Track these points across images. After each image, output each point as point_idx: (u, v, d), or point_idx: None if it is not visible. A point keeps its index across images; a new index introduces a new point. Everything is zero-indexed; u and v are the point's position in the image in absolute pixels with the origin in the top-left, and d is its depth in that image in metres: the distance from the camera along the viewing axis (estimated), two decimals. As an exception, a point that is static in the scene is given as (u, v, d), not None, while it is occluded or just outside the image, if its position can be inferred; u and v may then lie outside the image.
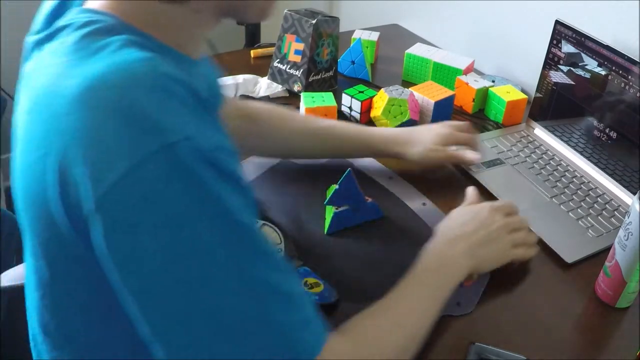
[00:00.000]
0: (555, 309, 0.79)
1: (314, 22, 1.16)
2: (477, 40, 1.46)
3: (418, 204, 0.95)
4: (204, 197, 0.46)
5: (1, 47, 1.97)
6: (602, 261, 0.81)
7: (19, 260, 1.01)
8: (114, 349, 0.58)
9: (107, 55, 0.49)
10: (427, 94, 1.16)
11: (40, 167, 0.49)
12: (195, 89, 0.50)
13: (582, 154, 1.07)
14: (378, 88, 1.18)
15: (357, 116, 1.15)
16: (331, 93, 1.10)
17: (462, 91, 1.24)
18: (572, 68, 1.06)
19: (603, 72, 0.99)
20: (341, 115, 1.14)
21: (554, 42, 1.09)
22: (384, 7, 1.75)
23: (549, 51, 1.10)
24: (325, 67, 1.24)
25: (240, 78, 1.27)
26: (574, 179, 1.04)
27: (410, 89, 1.15)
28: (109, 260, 0.47)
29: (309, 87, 1.22)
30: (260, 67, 1.35)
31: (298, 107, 1.12)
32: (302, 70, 1.21)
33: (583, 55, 1.03)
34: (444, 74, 1.30)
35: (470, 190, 0.89)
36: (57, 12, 0.57)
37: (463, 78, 1.24)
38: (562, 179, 1.04)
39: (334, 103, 1.07)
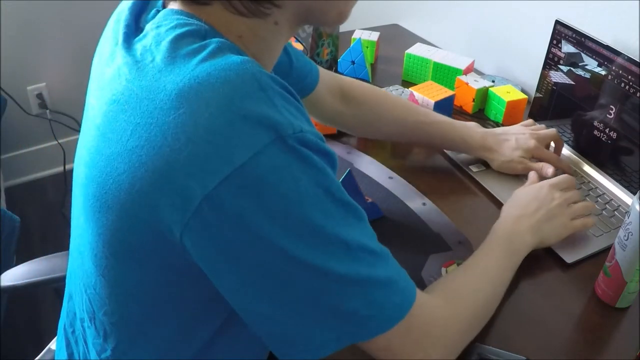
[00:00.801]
0: (555, 309, 0.79)
1: (314, 22, 1.16)
2: (477, 40, 1.46)
3: (418, 204, 0.96)
4: (320, 180, 0.50)
5: (1, 47, 1.97)
6: (602, 261, 0.81)
7: (19, 260, 1.01)
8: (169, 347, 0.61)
9: (208, 56, 0.50)
10: (427, 94, 1.16)
11: (135, 157, 0.49)
12: (290, 90, 0.53)
13: (582, 154, 1.07)
14: (378, 88, 1.18)
15: (357, 116, 1.15)
16: (331, 93, 1.10)
17: (462, 91, 1.24)
18: (572, 68, 1.06)
19: (603, 72, 0.99)
20: (341, 115, 1.14)
21: (554, 42, 1.09)
22: (384, 7, 1.75)
23: (549, 51, 1.10)
24: (325, 67, 1.24)
25: (240, 78, 1.27)
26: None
27: (410, 89, 1.15)
28: (217, 251, 0.49)
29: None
30: (260, 67, 1.35)
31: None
32: (302, 70, 1.21)
33: (583, 55, 1.03)
34: (444, 74, 1.30)
35: (532, 174, 0.94)
36: (142, 9, 0.59)
37: (463, 78, 1.24)
38: (562, 179, 1.04)
39: (334, 103, 1.07)
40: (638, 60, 0.92)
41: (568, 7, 1.18)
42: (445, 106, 1.17)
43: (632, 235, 0.73)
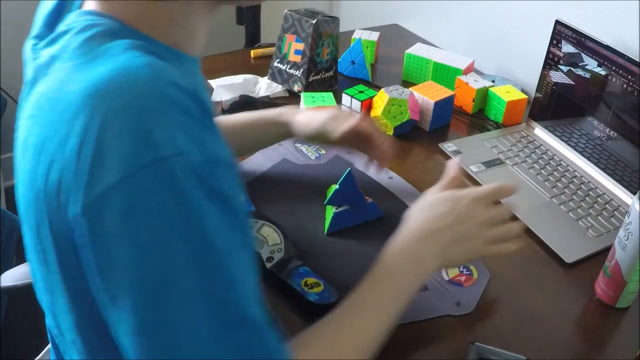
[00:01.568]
0: (555, 309, 0.79)
1: (314, 22, 1.16)
2: (477, 40, 1.46)
3: (418, 204, 0.95)
4: (186, 217, 0.46)
5: (1, 47, 1.97)
6: (602, 261, 0.81)
7: (19, 261, 1.01)
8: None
9: (110, 60, 0.48)
10: (427, 94, 1.16)
11: (40, 171, 0.49)
12: (200, 97, 0.50)
13: (582, 154, 1.07)
14: (378, 88, 1.18)
15: (357, 116, 1.15)
16: (331, 93, 1.11)
17: (462, 91, 1.24)
18: (572, 68, 1.06)
19: (603, 72, 0.99)
20: (341, 115, 1.14)
21: (554, 42, 1.09)
22: (384, 7, 1.75)
23: (549, 51, 1.10)
24: (325, 67, 1.24)
25: (240, 78, 1.27)
26: (574, 179, 1.04)
27: (410, 89, 1.15)
28: (92, 264, 0.47)
29: (309, 87, 1.22)
30: (260, 67, 1.35)
31: (298, 106, 1.12)
32: (302, 70, 1.21)
33: (583, 55, 1.03)
34: (444, 74, 1.30)
35: (452, 167, 0.79)
36: (57, 14, 0.57)
37: (463, 78, 1.24)
38: (562, 179, 1.04)
39: (334, 103, 1.08)
40: (638, 60, 0.92)
41: (568, 7, 1.18)
42: (445, 106, 1.17)
43: (632, 235, 0.73)
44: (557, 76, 1.10)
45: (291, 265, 0.79)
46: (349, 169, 0.85)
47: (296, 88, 1.23)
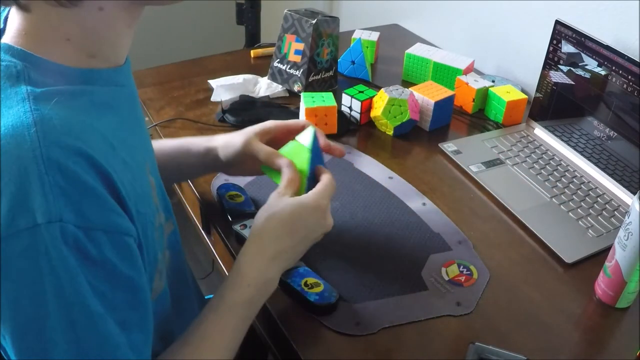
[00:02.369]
0: (555, 309, 0.79)
1: (314, 22, 1.16)
2: (477, 40, 1.46)
3: (418, 204, 0.96)
4: (58, 283, 0.47)
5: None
6: (602, 261, 0.81)
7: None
8: None
9: (2, 114, 0.49)
10: (427, 94, 1.16)
11: None
12: (91, 155, 0.49)
13: (582, 154, 1.07)
14: (378, 88, 1.18)
15: (357, 116, 1.15)
16: (331, 93, 1.10)
17: (462, 91, 1.24)
18: (572, 68, 1.06)
19: (603, 72, 0.99)
20: (341, 115, 1.14)
21: (554, 42, 1.09)
22: (384, 7, 1.75)
23: (549, 51, 1.10)
24: (325, 67, 1.24)
25: (240, 78, 1.27)
26: (574, 179, 1.04)
27: (410, 89, 1.15)
28: None
29: (309, 87, 1.22)
30: (260, 67, 1.35)
31: (298, 107, 1.12)
32: (302, 70, 1.21)
33: (583, 55, 1.03)
34: (444, 74, 1.30)
35: (284, 164, 0.73)
36: None
37: (463, 78, 1.24)
38: (562, 179, 1.04)
39: (334, 103, 1.07)
40: (638, 60, 0.92)
41: (568, 7, 1.18)
42: (445, 106, 1.17)
43: (632, 235, 0.73)
44: (557, 76, 1.10)
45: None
46: (314, 130, 0.78)
47: (296, 88, 1.23)
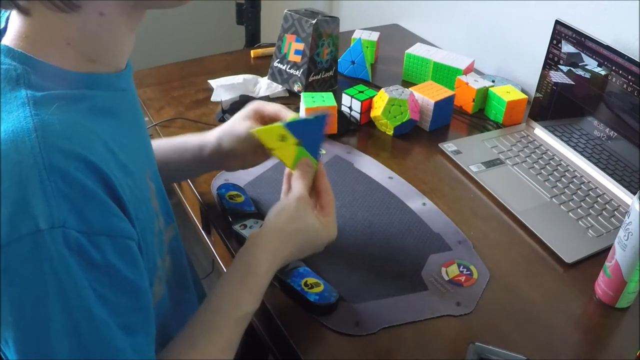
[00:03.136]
0: (555, 309, 0.79)
1: (314, 22, 1.16)
2: (477, 40, 1.46)
3: (418, 204, 0.96)
4: (60, 287, 0.47)
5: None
6: (602, 261, 0.81)
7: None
8: None
9: (3, 119, 0.48)
10: (427, 94, 1.16)
11: None
12: (92, 161, 0.49)
13: (582, 154, 1.07)
14: (378, 88, 1.18)
15: (357, 116, 1.15)
16: (331, 93, 1.10)
17: (462, 91, 1.24)
18: (572, 68, 1.06)
19: (603, 72, 0.99)
20: (341, 115, 1.14)
21: (554, 42, 1.09)
22: (384, 7, 1.75)
23: (549, 51, 1.10)
24: (325, 67, 1.24)
25: (240, 78, 1.27)
26: (574, 179, 1.04)
27: (410, 89, 1.15)
28: None
29: (309, 87, 1.22)
30: (260, 67, 1.35)
31: (298, 107, 1.12)
32: (302, 70, 1.21)
33: (583, 55, 1.03)
34: (444, 74, 1.30)
35: (302, 167, 0.74)
36: None
37: (463, 78, 1.24)
38: (562, 179, 1.04)
39: (334, 103, 1.07)
40: (638, 60, 0.92)
41: (568, 7, 1.18)
42: (445, 106, 1.17)
43: (632, 235, 0.73)
44: (557, 76, 1.10)
45: (291, 265, 0.79)
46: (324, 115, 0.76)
47: (296, 88, 1.23)
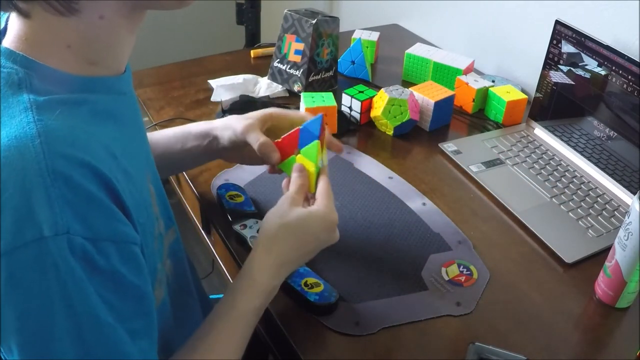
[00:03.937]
0: (555, 309, 0.79)
1: (314, 22, 1.16)
2: (477, 40, 1.46)
3: (418, 204, 0.96)
4: (66, 293, 0.47)
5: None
6: (602, 261, 0.81)
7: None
8: None
9: (5, 124, 0.48)
10: (427, 94, 1.16)
11: None
12: (95, 166, 0.49)
13: (582, 154, 1.07)
14: (378, 88, 1.18)
15: (357, 116, 1.15)
16: (331, 93, 1.10)
17: (462, 91, 1.24)
18: (572, 68, 1.06)
19: (603, 72, 0.99)
20: (341, 115, 1.14)
21: (554, 42, 1.09)
22: (384, 7, 1.75)
23: (549, 51, 1.10)
24: (325, 67, 1.24)
25: (240, 78, 1.27)
26: (574, 179, 1.04)
27: (410, 89, 1.15)
28: None
29: (309, 87, 1.22)
30: (260, 67, 1.35)
31: (298, 107, 1.12)
32: (302, 70, 1.21)
33: (583, 55, 1.03)
34: (444, 74, 1.30)
35: (298, 169, 0.73)
36: None
37: (463, 78, 1.24)
38: (562, 179, 1.04)
39: (334, 103, 1.07)
40: (638, 60, 0.92)
41: (568, 7, 1.18)
42: (445, 106, 1.17)
43: (632, 235, 0.73)
44: (557, 76, 1.10)
45: (291, 265, 0.79)
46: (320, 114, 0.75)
47: (296, 88, 1.23)
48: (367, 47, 1.39)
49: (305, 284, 0.76)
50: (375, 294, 0.78)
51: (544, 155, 1.10)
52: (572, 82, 1.07)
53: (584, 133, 1.06)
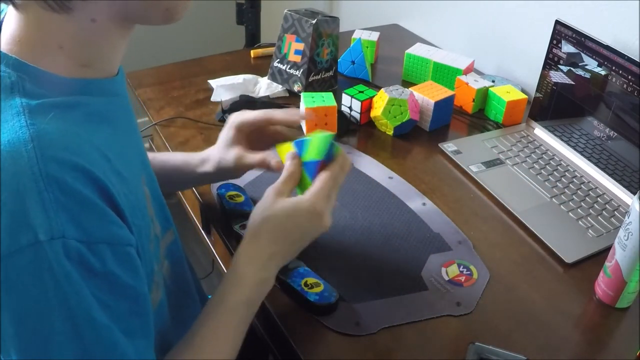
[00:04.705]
0: (555, 309, 0.79)
1: (314, 22, 1.16)
2: (477, 40, 1.46)
3: (418, 204, 0.96)
4: (62, 296, 0.47)
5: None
6: (602, 261, 0.81)
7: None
8: None
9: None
10: (427, 94, 1.16)
11: None
12: (89, 169, 0.49)
13: (582, 154, 1.07)
14: (378, 88, 1.18)
15: (357, 116, 1.15)
16: (331, 93, 1.10)
17: (462, 91, 1.24)
18: (572, 68, 1.06)
19: (603, 72, 0.99)
20: (341, 115, 1.14)
21: (554, 42, 1.09)
22: (384, 7, 1.75)
23: (549, 51, 1.10)
24: (325, 67, 1.24)
25: (240, 78, 1.27)
26: (574, 179, 1.04)
27: (410, 89, 1.15)
28: None
29: (309, 87, 1.22)
30: (260, 67, 1.35)
31: (298, 107, 1.12)
32: (302, 70, 1.21)
33: (583, 55, 1.03)
34: (444, 74, 1.30)
35: (290, 157, 0.73)
36: None
37: (463, 78, 1.24)
38: (562, 179, 1.04)
39: (334, 103, 1.07)
40: (638, 60, 0.92)
41: (568, 7, 1.18)
42: (445, 106, 1.17)
43: (632, 235, 0.73)
44: (557, 76, 1.10)
45: (291, 265, 0.79)
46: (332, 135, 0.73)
47: (296, 88, 1.23)
48: (367, 47, 1.39)
49: (305, 284, 0.76)
50: (375, 294, 0.78)
51: (544, 155, 1.10)
52: (572, 82, 1.07)
53: (584, 133, 1.06)
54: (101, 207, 0.50)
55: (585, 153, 1.06)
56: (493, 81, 1.28)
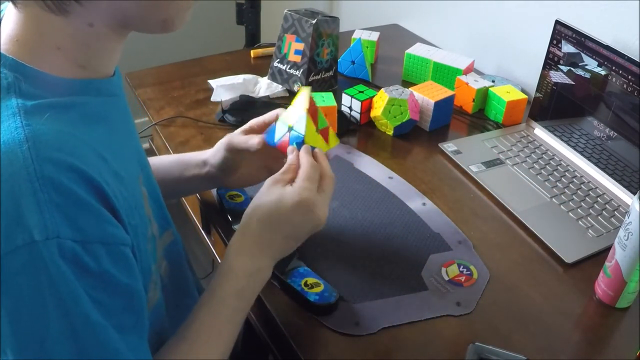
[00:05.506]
0: (555, 309, 0.79)
1: (314, 22, 1.16)
2: (477, 40, 1.46)
3: (418, 204, 0.96)
4: (57, 296, 0.47)
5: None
6: (602, 261, 0.81)
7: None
8: None
9: None
10: (427, 94, 1.16)
11: None
12: (84, 170, 0.49)
13: (582, 154, 1.07)
14: (378, 88, 1.18)
15: (357, 116, 1.15)
16: (331, 93, 1.10)
17: (462, 91, 1.24)
18: (572, 68, 1.06)
19: (603, 72, 0.99)
20: (341, 115, 1.14)
21: (554, 42, 1.09)
22: (384, 7, 1.75)
23: (549, 51, 1.10)
24: (325, 67, 1.24)
25: (240, 78, 1.27)
26: (574, 179, 1.04)
27: (410, 89, 1.15)
28: None
29: (309, 87, 1.22)
30: (260, 67, 1.35)
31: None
32: (302, 70, 1.21)
33: (583, 55, 1.03)
34: (444, 74, 1.30)
35: (290, 151, 0.72)
36: None
37: (463, 78, 1.24)
38: (562, 179, 1.04)
39: (334, 103, 1.07)
40: (638, 60, 0.92)
41: (568, 7, 1.18)
42: (445, 106, 1.17)
43: (632, 235, 0.73)
44: (557, 76, 1.10)
45: (291, 265, 0.79)
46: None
47: (296, 88, 1.23)
48: (367, 47, 1.39)
49: (305, 284, 0.76)
50: (375, 294, 0.78)
51: (544, 155, 1.10)
52: (572, 82, 1.07)
53: (584, 133, 1.06)
54: (96, 207, 0.50)
55: (585, 153, 1.06)
56: (493, 81, 1.28)
